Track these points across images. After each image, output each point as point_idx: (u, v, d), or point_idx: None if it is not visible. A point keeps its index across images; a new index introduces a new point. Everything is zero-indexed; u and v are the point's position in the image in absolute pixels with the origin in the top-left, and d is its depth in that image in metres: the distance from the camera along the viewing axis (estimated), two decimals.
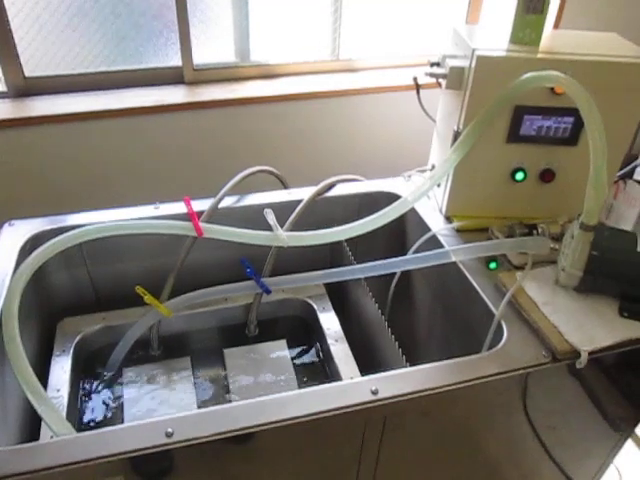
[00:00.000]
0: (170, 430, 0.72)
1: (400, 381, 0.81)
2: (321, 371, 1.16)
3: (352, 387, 0.80)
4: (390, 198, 1.23)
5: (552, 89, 0.97)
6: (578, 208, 0.89)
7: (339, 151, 1.90)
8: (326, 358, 1.14)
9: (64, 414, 0.94)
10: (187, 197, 1.14)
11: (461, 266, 1.02)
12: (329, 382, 1.11)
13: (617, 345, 0.84)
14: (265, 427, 0.75)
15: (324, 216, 1.23)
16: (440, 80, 1.11)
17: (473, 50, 0.98)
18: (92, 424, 1.02)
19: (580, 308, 0.89)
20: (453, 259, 1.02)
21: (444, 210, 1.16)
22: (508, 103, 0.98)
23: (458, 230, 1.12)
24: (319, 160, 1.90)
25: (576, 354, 0.82)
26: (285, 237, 1.09)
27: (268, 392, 1.09)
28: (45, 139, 1.60)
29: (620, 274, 0.88)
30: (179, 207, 1.15)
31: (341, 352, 1.09)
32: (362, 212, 1.25)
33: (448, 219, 1.15)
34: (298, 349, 1.20)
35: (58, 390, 0.98)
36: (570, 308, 0.89)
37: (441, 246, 1.08)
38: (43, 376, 1.00)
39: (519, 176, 1.07)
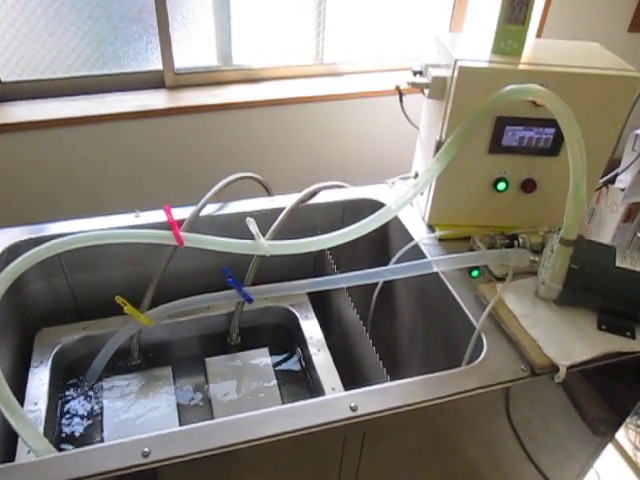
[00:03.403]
0: (147, 450, 0.72)
1: (379, 397, 0.80)
2: (303, 379, 1.15)
3: (331, 403, 0.80)
4: (374, 205, 1.22)
5: (533, 101, 0.97)
6: (559, 218, 0.89)
7: (324, 156, 1.89)
8: (308, 367, 1.14)
9: (42, 428, 0.93)
10: (168, 205, 1.13)
11: (442, 277, 1.02)
12: (311, 391, 1.12)
13: (595, 359, 0.84)
14: (243, 445, 0.74)
15: (307, 223, 1.23)
16: (424, 89, 1.11)
17: (455, 60, 0.97)
18: (71, 438, 1.01)
19: (559, 321, 0.89)
20: (435, 269, 1.02)
21: (427, 218, 1.15)
22: (490, 114, 0.98)
23: (440, 239, 1.12)
24: (303, 165, 1.88)
25: (555, 368, 0.83)
26: (267, 246, 1.08)
27: (250, 401, 1.10)
28: (22, 146, 1.57)
29: (599, 288, 0.88)
30: (160, 215, 1.13)
31: (323, 361, 1.09)
32: (346, 219, 1.25)
33: (431, 227, 1.15)
34: (280, 357, 1.19)
35: (35, 403, 0.97)
36: (549, 321, 0.89)
37: (423, 255, 1.08)
38: (21, 389, 0.99)
39: (501, 186, 1.07)
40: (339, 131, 1.86)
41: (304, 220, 1.22)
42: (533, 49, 1.04)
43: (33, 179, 1.64)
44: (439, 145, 1.04)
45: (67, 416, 1.04)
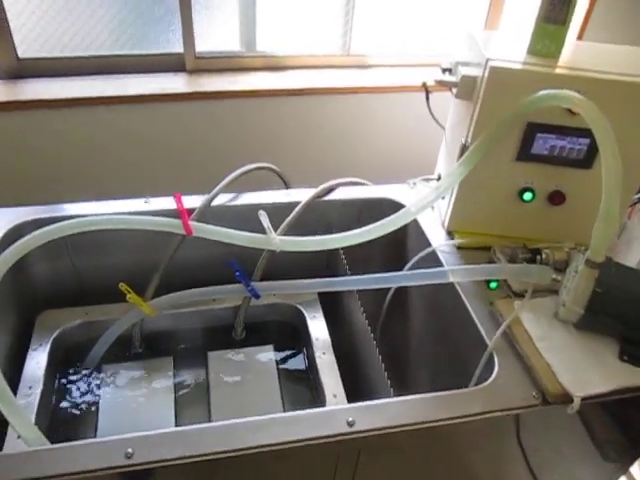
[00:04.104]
0: (130, 451, 0.69)
1: (379, 413, 0.76)
2: (305, 381, 1.12)
3: (327, 416, 0.76)
4: (392, 206, 1.18)
5: (569, 108, 0.90)
6: (586, 235, 0.83)
7: (344, 151, 1.82)
8: (311, 368, 1.10)
9: (34, 413, 0.91)
10: (178, 193, 1.10)
11: (458, 288, 0.97)
12: (312, 394, 1.08)
13: (613, 392, 0.78)
14: (231, 454, 0.71)
15: (322, 220, 1.19)
16: (452, 88, 1.05)
17: (487, 59, 0.91)
18: (64, 425, 0.99)
19: (578, 347, 0.84)
20: (451, 279, 0.97)
21: (446, 224, 1.10)
22: (520, 119, 0.92)
23: (459, 247, 1.06)
24: (322, 160, 1.82)
25: (568, 398, 0.77)
26: (278, 241, 1.04)
27: (249, 400, 1.07)
28: (37, 124, 1.54)
29: (623, 315, 0.82)
30: (171, 202, 1.10)
31: (327, 365, 1.05)
32: (362, 218, 1.20)
33: (450, 234, 1.10)
34: (284, 355, 1.16)
35: (30, 387, 0.95)
36: (567, 346, 0.84)
37: (440, 263, 1.03)
38: (18, 371, 0.98)
39: (527, 196, 1.01)
40: (362, 126, 1.79)
41: (318, 216, 1.18)
42: (572, 52, 0.97)
43: (45, 159, 1.61)
44: (464, 148, 0.99)
45: (62, 402, 1.03)
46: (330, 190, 1.19)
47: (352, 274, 1.11)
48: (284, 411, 1.05)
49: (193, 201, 1.10)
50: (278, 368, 1.13)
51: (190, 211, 1.07)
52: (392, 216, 1.01)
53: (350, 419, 0.74)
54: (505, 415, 0.78)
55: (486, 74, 0.91)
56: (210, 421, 1.02)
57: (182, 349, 1.16)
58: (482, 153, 0.94)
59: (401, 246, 1.19)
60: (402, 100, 1.73)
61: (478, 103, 0.94)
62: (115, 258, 1.13)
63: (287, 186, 1.25)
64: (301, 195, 1.17)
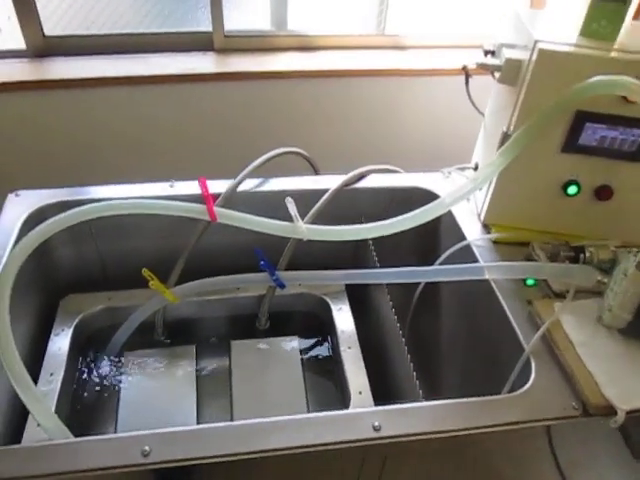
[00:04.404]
0: (147, 448, 0.67)
1: (407, 418, 0.72)
2: (330, 374, 1.09)
3: (353, 419, 0.72)
4: (425, 196, 1.12)
5: (624, 96, 0.83)
6: (635, 233, 0.77)
7: (376, 136, 1.74)
8: (336, 362, 1.07)
9: (55, 400, 0.90)
10: (203, 177, 1.06)
11: (494, 285, 0.92)
12: (336, 389, 1.05)
13: None
14: (252, 456, 0.68)
15: (351, 208, 1.14)
16: (494, 72, 0.98)
17: (535, 41, 0.84)
18: (84, 413, 0.98)
19: (623, 355, 0.78)
20: (487, 277, 0.92)
21: (482, 217, 1.04)
22: (569, 107, 0.85)
23: (495, 242, 1.01)
24: (353, 145, 1.74)
25: (612, 410, 0.72)
26: (305, 230, 1.00)
27: (272, 392, 1.04)
28: (61, 105, 1.51)
29: None
30: (196, 187, 1.07)
31: (353, 360, 1.01)
32: (393, 208, 1.15)
33: (485, 227, 1.04)
34: (309, 347, 1.13)
35: (52, 374, 0.94)
36: (611, 354, 0.78)
37: (475, 259, 0.98)
38: (40, 356, 0.97)
39: (572, 190, 0.94)
40: (395, 110, 1.71)
41: (347, 204, 1.13)
42: (630, 34, 0.89)
43: (69, 140, 1.58)
44: (505, 137, 0.92)
45: (83, 389, 1.01)
46: (361, 177, 1.14)
47: (381, 266, 1.07)
48: (307, 405, 1.02)
49: (218, 186, 1.07)
50: (302, 359, 1.10)
51: (215, 196, 1.04)
52: (425, 207, 0.96)
53: (376, 423, 0.71)
54: (542, 426, 0.73)
55: (534, 57, 0.84)
56: (232, 412, 1.00)
57: (205, 337, 1.13)
58: (525, 143, 0.88)
59: (433, 237, 1.14)
60: (439, 84, 1.65)
61: (523, 89, 0.88)
62: (138, 242, 1.11)
63: (316, 172, 1.21)
64: (330, 182, 1.12)
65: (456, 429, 0.71)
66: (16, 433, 0.87)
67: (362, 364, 1.00)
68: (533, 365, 0.79)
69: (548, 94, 0.84)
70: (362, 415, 0.72)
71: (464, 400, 0.75)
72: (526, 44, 0.87)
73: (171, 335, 1.12)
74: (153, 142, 1.63)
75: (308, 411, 1.01)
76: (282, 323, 1.15)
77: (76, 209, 0.94)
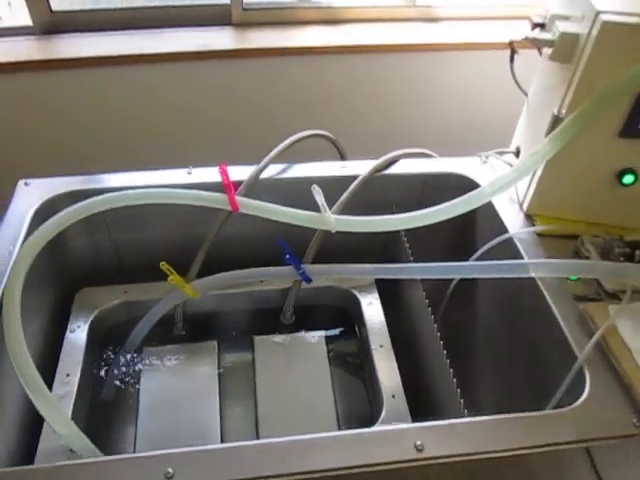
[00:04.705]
0: (170, 471, 0.62)
1: (451, 437, 0.66)
2: (359, 373, 1.03)
3: (393, 437, 0.66)
4: (461, 183, 1.05)
5: None
6: None
7: (406, 117, 1.62)
8: (367, 361, 1.01)
9: (72, 404, 0.86)
10: (223, 164, 0.99)
11: (539, 283, 0.84)
12: (366, 390, 0.99)
13: None
14: (286, 478, 0.63)
15: (380, 196, 1.07)
16: (543, 48, 0.89)
17: (597, 12, 0.75)
18: (103, 413, 0.94)
19: None
20: (532, 275, 0.84)
21: (525, 206, 0.96)
22: (633, 88, 0.76)
23: (540, 234, 0.93)
24: (381, 126, 1.62)
25: None
26: (333, 221, 0.93)
27: (298, 391, 0.99)
28: (70, 85, 1.42)
29: None
30: (215, 173, 1.00)
31: (385, 360, 0.95)
32: (426, 195, 1.08)
33: (529, 217, 0.96)
34: (337, 343, 1.07)
35: (68, 375, 0.89)
36: None
37: (518, 253, 0.90)
38: (55, 355, 0.92)
39: (628, 179, 0.86)
40: (427, 88, 1.58)
41: (376, 192, 1.05)
42: None
43: (79, 123, 1.49)
44: (556, 120, 0.84)
45: (101, 389, 0.97)
46: (392, 162, 1.06)
47: (415, 261, 0.99)
48: (335, 405, 0.96)
49: (239, 172, 1.00)
50: (329, 356, 1.04)
51: (237, 184, 0.97)
52: (464, 197, 0.88)
53: (418, 442, 0.65)
54: (599, 445, 0.67)
55: (595, 31, 0.75)
56: (256, 414, 0.95)
57: (227, 332, 1.08)
58: (579, 127, 0.79)
59: (469, 228, 1.06)
60: (476, 59, 1.53)
61: (580, 66, 0.79)
62: (155, 233, 1.05)
63: (342, 157, 1.13)
64: (358, 168, 1.05)
65: (506, 449, 0.65)
66: (32, 437, 0.82)
67: (395, 365, 0.94)
68: (587, 375, 0.72)
69: (609, 72, 0.75)
70: (403, 433, 0.67)
71: (513, 415, 0.68)
72: (585, 15, 0.78)
73: (191, 329, 1.07)
74: (168, 125, 1.54)
75: (336, 412, 0.95)
76: (307, 317, 1.09)
77: (91, 200, 0.88)
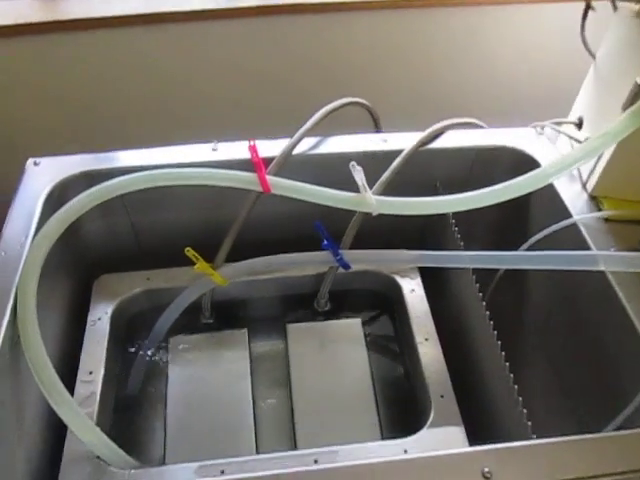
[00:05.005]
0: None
1: (520, 462, 0.59)
2: (401, 365, 0.96)
3: (457, 462, 0.59)
4: (515, 157, 0.95)
5: None
6: None
7: (447, 81, 1.43)
8: (410, 354, 0.93)
9: (97, 404, 0.79)
10: (252, 140, 0.89)
11: (610, 278, 0.76)
12: (410, 387, 0.92)
13: None
14: None
15: (423, 172, 0.97)
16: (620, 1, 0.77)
17: None
18: (129, 411, 0.88)
19: None
20: (602, 268, 0.76)
21: (590, 186, 0.86)
22: None
23: (608, 220, 0.83)
24: (419, 92, 1.45)
25: None
26: (374, 202, 0.84)
27: (335, 382, 0.92)
28: (76, 49, 1.29)
29: None
30: (243, 149, 0.90)
31: (431, 355, 0.88)
32: (474, 172, 0.98)
33: (594, 200, 0.86)
34: (376, 334, 1.00)
35: (91, 372, 0.82)
36: None
37: (583, 242, 0.81)
38: (75, 350, 0.85)
39: None
40: (470, 47, 1.39)
41: (419, 168, 0.95)
42: None
43: (89, 91, 1.36)
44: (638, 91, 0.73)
45: (126, 385, 0.91)
46: (438, 135, 0.96)
47: (463, 248, 0.90)
48: (375, 398, 0.89)
49: (268, 147, 0.90)
50: (367, 345, 0.97)
51: (266, 161, 0.88)
52: (524, 177, 0.78)
53: (486, 469, 0.58)
54: None
55: None
56: (292, 407, 0.88)
57: (257, 320, 1.01)
58: None
59: (522, 209, 0.96)
60: (531, 13, 1.36)
61: None
62: (177, 214, 0.97)
63: (378, 128, 1.03)
64: (399, 141, 0.95)
65: (583, 477, 0.58)
66: (56, 441, 0.76)
67: (443, 361, 0.86)
68: None
69: None
70: (468, 457, 0.60)
71: (601, 435, 0.61)
72: None
73: (219, 317, 1.00)
74: (190, 93, 1.40)
75: (376, 405, 0.89)
76: (343, 303, 1.02)
77: (108, 183, 0.81)
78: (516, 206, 0.96)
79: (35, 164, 0.87)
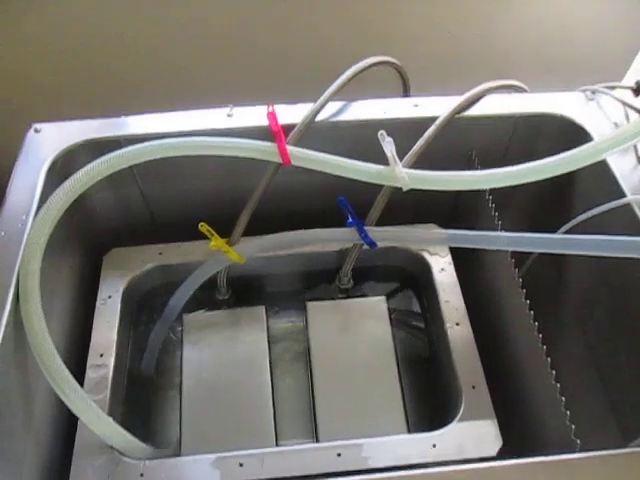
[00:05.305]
0: None
1: (563, 476, 0.54)
2: (428, 351, 0.91)
3: (492, 476, 0.55)
4: (560, 126, 0.86)
5: None
6: None
7: (480, 37, 1.26)
8: (438, 340, 0.87)
9: (109, 390, 0.75)
10: (271, 106, 0.81)
11: None
12: (437, 372, 0.87)
13: None
14: None
15: (457, 141, 0.88)
16: None
17: None
18: (142, 397, 0.85)
19: None
20: None
21: None
22: None
23: None
24: (447, 50, 1.27)
25: None
26: (406, 176, 0.76)
27: (358, 364, 0.87)
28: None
29: None
30: (260, 114, 0.82)
31: (461, 341, 0.82)
32: (514, 142, 0.89)
33: None
34: (402, 315, 0.95)
35: (101, 355, 0.78)
36: None
37: (638, 226, 0.73)
38: (84, 332, 0.81)
39: None
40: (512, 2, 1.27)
41: (453, 136, 0.86)
42: None
43: (92, 47, 1.23)
44: None
45: (139, 369, 0.87)
46: (476, 100, 0.87)
47: (501, 228, 0.83)
48: (400, 382, 0.84)
49: (288, 113, 0.82)
50: (392, 324, 0.91)
51: (287, 129, 0.80)
52: (574, 152, 0.69)
53: None
54: None
55: None
56: (312, 388, 0.84)
57: (275, 297, 0.96)
58: None
59: (566, 186, 0.87)
60: None
61: None
62: (191, 185, 0.90)
63: (406, 91, 0.94)
64: (432, 106, 0.86)
65: None
66: (69, 427, 0.73)
67: (475, 349, 0.80)
68: None
69: None
70: (506, 471, 0.55)
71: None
72: None
73: (235, 293, 0.95)
74: (204, 49, 1.27)
75: (401, 389, 0.84)
76: (367, 281, 0.96)
77: (117, 153, 0.75)
78: (559, 181, 0.88)
79: (36, 131, 0.80)
